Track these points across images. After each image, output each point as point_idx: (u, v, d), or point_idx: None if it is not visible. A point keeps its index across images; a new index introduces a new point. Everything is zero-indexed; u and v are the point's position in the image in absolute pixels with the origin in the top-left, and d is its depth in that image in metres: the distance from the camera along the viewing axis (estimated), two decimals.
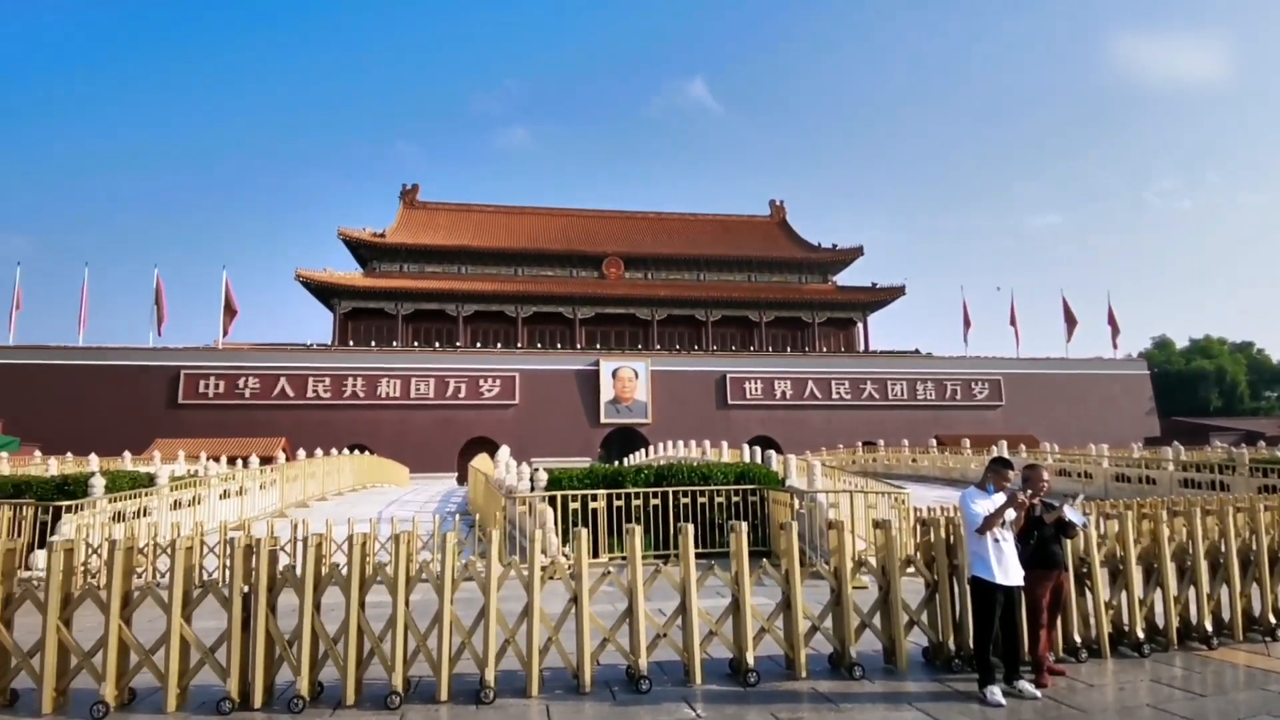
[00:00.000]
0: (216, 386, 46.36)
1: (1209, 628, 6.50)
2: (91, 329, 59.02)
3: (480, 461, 21.34)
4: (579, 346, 55.28)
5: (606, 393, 50.49)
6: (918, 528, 8.15)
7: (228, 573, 5.56)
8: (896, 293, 60.84)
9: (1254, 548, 6.95)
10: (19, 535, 11.96)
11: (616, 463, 26.24)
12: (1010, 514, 5.40)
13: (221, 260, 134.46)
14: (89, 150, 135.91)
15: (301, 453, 23.67)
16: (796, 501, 12.25)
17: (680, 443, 30.23)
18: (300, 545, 8.57)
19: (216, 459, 25.28)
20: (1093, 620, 6.23)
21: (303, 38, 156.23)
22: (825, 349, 58.91)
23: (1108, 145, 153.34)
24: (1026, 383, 55.68)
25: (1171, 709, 4.99)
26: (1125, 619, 6.37)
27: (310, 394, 47.25)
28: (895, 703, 5.24)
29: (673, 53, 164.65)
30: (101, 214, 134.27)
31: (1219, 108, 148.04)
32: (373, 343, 53.28)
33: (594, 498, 12.41)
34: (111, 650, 5.16)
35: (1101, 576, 6.31)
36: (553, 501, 12.42)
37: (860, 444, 43.04)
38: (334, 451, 25.78)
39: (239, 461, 20.36)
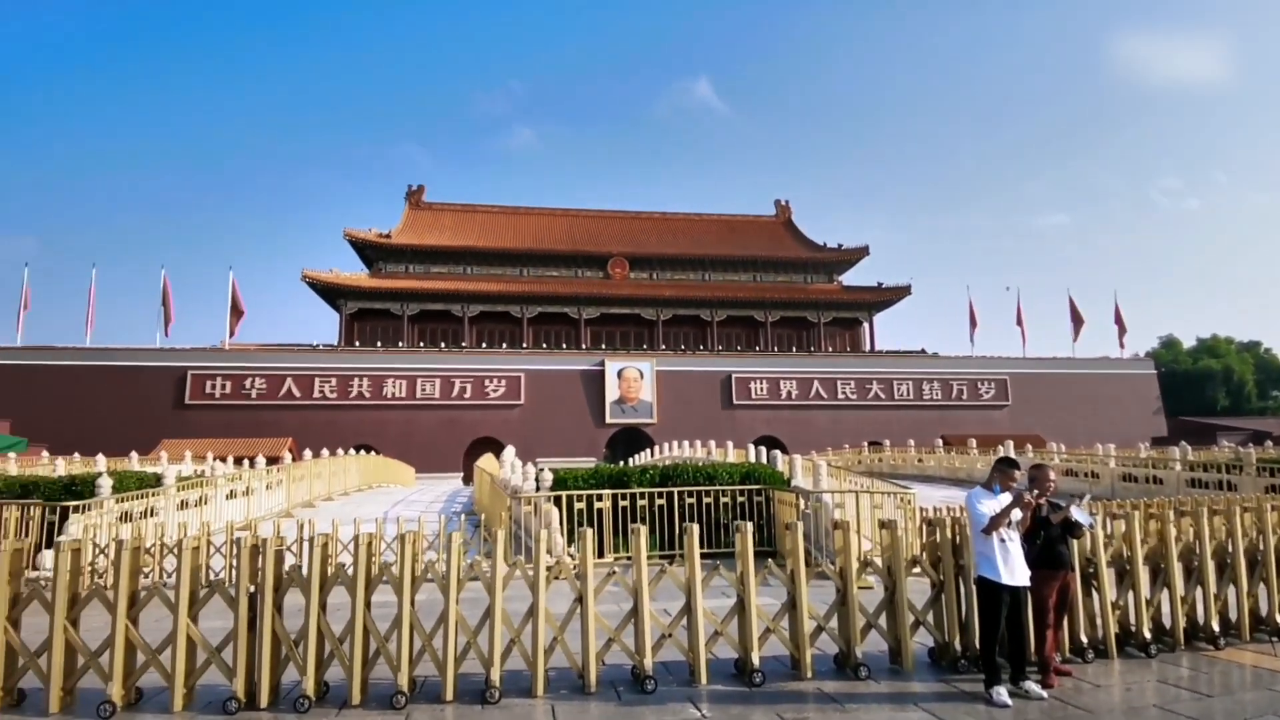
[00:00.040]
0: (223, 387, 46.55)
1: (1216, 628, 6.47)
2: (96, 329, 59.32)
3: (485, 462, 21.35)
4: (584, 347, 55.33)
5: (611, 393, 50.51)
6: (923, 528, 8.15)
7: (234, 573, 5.58)
8: (902, 292, 60.72)
9: (1261, 548, 6.92)
10: (26, 535, 12.04)
11: (622, 463, 26.24)
12: (1016, 514, 5.39)
13: (225, 260, 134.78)
14: (90, 150, 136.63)
15: (308, 453, 23.76)
16: (802, 502, 12.22)
17: (685, 443, 30.17)
18: (306, 545, 8.57)
19: (223, 459, 25.33)
20: (1099, 620, 6.21)
21: (305, 38, 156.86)
22: (831, 349, 58.83)
23: (1111, 145, 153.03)
24: (1033, 382, 55.49)
25: (1178, 709, 4.97)
26: (1132, 619, 6.34)
27: (316, 394, 47.42)
28: (901, 703, 5.22)
29: (677, 53, 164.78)
30: (103, 214, 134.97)
31: (1223, 107, 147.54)
32: (379, 343, 53.46)
33: (599, 498, 12.40)
34: (118, 650, 5.18)
35: (1108, 577, 6.28)
36: (558, 501, 12.42)
37: (866, 444, 43.00)
38: (340, 452, 25.84)
39: (245, 462, 20.43)
